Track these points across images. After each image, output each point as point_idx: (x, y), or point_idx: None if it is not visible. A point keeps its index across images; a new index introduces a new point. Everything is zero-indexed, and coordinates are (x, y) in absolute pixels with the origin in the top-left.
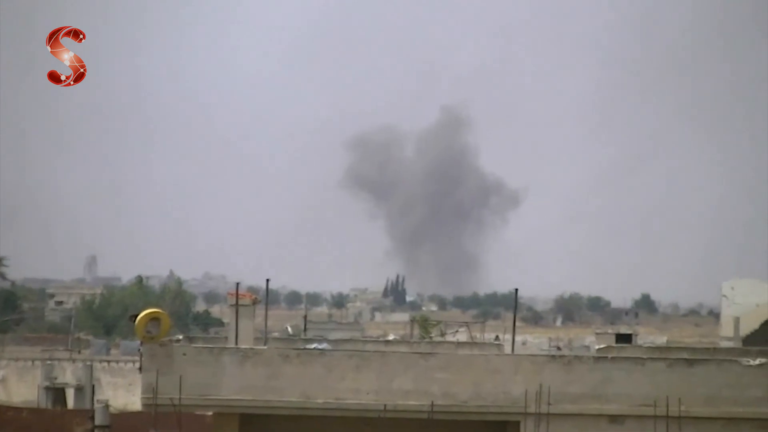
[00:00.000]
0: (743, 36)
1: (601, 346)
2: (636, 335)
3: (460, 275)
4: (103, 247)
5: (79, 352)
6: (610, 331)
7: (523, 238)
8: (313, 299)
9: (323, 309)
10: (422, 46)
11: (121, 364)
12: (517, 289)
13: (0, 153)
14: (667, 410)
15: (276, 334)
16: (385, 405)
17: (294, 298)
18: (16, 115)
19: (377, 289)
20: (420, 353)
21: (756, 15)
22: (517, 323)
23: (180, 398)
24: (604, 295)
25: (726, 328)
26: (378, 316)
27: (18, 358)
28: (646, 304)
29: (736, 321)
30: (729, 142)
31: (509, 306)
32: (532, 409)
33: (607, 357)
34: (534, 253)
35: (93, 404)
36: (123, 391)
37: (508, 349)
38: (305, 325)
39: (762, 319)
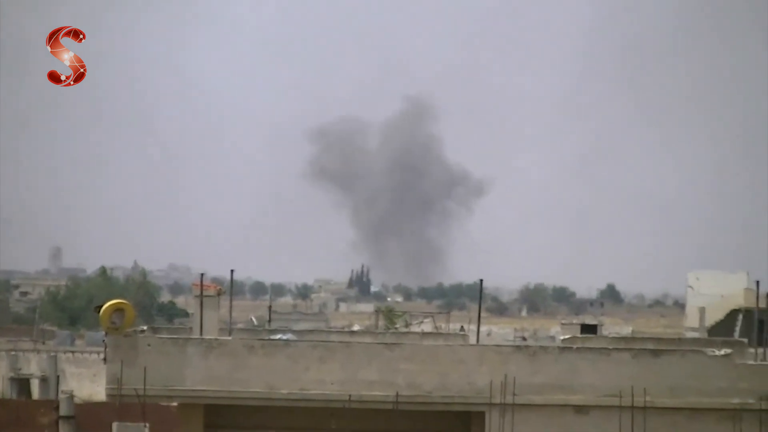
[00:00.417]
0: (712, 31)
1: (567, 336)
2: (601, 326)
3: (425, 266)
4: (68, 238)
5: (44, 343)
6: (575, 321)
7: (488, 228)
8: (278, 290)
9: (288, 300)
10: (385, 35)
11: (86, 355)
12: (482, 280)
13: None
14: (633, 401)
15: (241, 325)
16: (350, 396)
17: (259, 289)
18: None
19: (342, 279)
20: (385, 344)
21: (725, 11)
22: (482, 314)
23: (145, 389)
24: (570, 285)
25: (691, 319)
26: (343, 306)
27: None
28: (611, 295)
29: (702, 312)
30: (694, 135)
31: (474, 297)
32: (497, 400)
33: (572, 348)
34: (499, 244)
35: (58, 395)
36: (88, 381)
37: (473, 340)
38: (270, 316)
39: (727, 310)
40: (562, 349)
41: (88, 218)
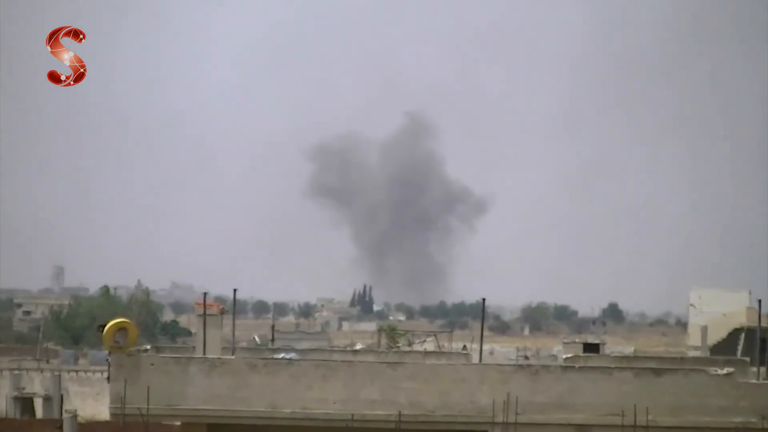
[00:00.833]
0: (708, 45)
1: (569, 355)
2: (603, 345)
3: (427, 284)
4: (71, 257)
5: (48, 362)
6: (577, 340)
7: (489, 246)
8: (281, 309)
9: (290, 319)
10: (384, 51)
11: (89, 374)
12: (484, 299)
13: None
14: (635, 420)
15: (243, 344)
16: (352, 415)
17: (261, 308)
18: None
19: (344, 298)
20: (387, 363)
21: (721, 25)
22: (484, 333)
23: (148, 408)
24: (572, 304)
25: (693, 338)
26: (345, 325)
27: None
28: (613, 314)
29: (704, 330)
30: (696, 151)
31: (476, 315)
32: (499, 419)
33: (574, 366)
34: (501, 262)
35: (61, 414)
36: (91, 400)
37: (475, 359)
38: (272, 335)
39: (729, 329)
40: (564, 368)
41: (91, 237)
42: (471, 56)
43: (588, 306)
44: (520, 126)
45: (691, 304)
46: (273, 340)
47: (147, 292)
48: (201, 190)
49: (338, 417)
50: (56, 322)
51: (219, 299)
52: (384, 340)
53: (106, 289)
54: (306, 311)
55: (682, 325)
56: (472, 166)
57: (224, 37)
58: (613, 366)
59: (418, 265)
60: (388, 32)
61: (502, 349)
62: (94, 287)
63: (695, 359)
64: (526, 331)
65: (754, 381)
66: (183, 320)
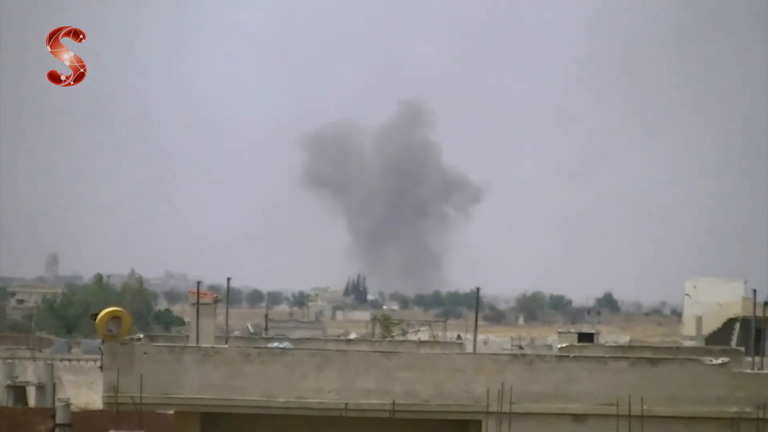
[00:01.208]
0: (709, 34)
1: (564, 345)
2: (598, 334)
3: (422, 273)
4: (65, 246)
5: (41, 350)
6: (572, 330)
7: (485, 236)
8: (275, 298)
9: (284, 308)
10: (380, 39)
11: (83, 363)
12: (479, 288)
13: None
14: (630, 409)
15: (237, 333)
16: (346, 404)
17: (255, 297)
18: None
19: (338, 287)
20: (382, 352)
21: (723, 14)
22: (479, 322)
23: (141, 397)
24: (567, 293)
25: (688, 327)
26: (339, 314)
27: None
28: (608, 303)
29: (699, 320)
30: (691, 142)
31: (471, 305)
32: (494, 409)
33: (569, 356)
34: (496, 252)
35: (54, 403)
36: (84, 389)
37: (470, 348)
38: (266, 324)
39: (724, 319)
40: (559, 357)
41: (85, 226)
42: (468, 45)
43: (583, 295)
44: (517, 115)
45: (687, 294)
46: (267, 329)
47: (141, 281)
48: (196, 178)
49: (333, 406)
50: (50, 310)
51: (213, 288)
52: (378, 330)
53: (99, 278)
54: (300, 300)
55: (678, 314)
56: (468, 154)
57: (218, 25)
58: (608, 356)
59: (413, 254)
60: (385, 20)
61: (496, 339)
62: (87, 276)
63: (690, 349)
64: (521, 321)
65: (749, 371)
66: (177, 309)
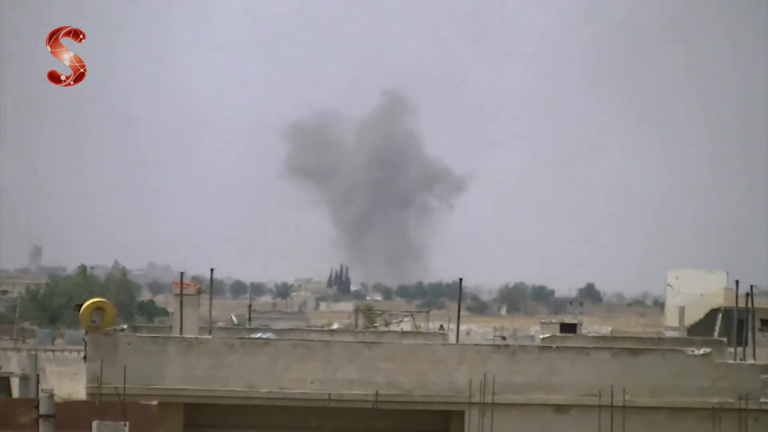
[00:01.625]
0: (698, 24)
1: (546, 335)
2: (580, 325)
3: (405, 264)
4: (48, 237)
5: (24, 341)
6: (554, 320)
7: (467, 226)
8: (258, 289)
9: (267, 299)
10: (361, 29)
11: (66, 354)
12: (461, 279)
13: None
14: (612, 400)
15: (221, 324)
16: (329, 395)
17: (239, 288)
18: None
19: (322, 278)
20: (364, 343)
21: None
22: (461, 313)
23: (125, 387)
24: (549, 284)
25: (671, 318)
26: (322, 305)
27: None
28: (590, 294)
29: (681, 311)
30: (674, 134)
31: (454, 296)
32: (476, 399)
33: (551, 347)
34: (479, 242)
35: (38, 393)
36: (68, 380)
37: (452, 339)
38: (250, 315)
39: (707, 309)
40: (542, 348)
41: (68, 217)
42: (450, 34)
43: (565, 286)
44: (499, 106)
45: (669, 285)
46: (250, 319)
47: (124, 272)
48: (179, 170)
49: (315, 397)
50: (33, 301)
51: (196, 279)
52: (361, 320)
53: (83, 269)
54: (283, 291)
55: (660, 305)
56: (451, 145)
57: (201, 18)
58: (590, 346)
59: (395, 244)
60: (367, 10)
61: (479, 330)
62: (71, 267)
63: (673, 339)
64: (504, 312)
65: (731, 361)
66: (160, 300)
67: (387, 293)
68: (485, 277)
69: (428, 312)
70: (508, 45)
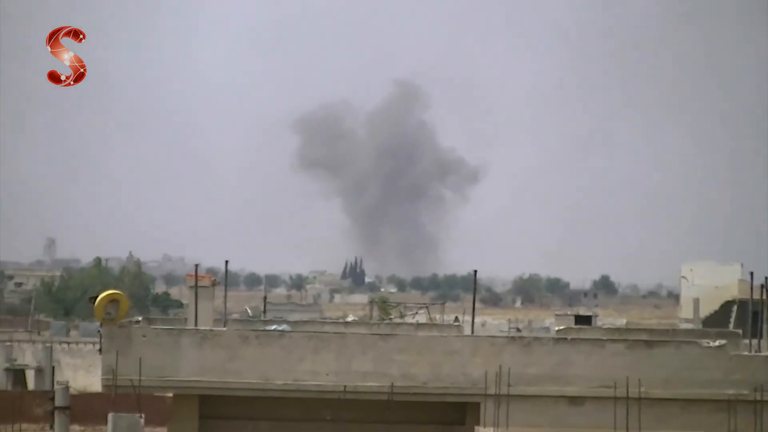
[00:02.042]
0: (704, 20)
1: (561, 327)
2: (595, 317)
3: (419, 256)
4: (62, 229)
5: (39, 333)
6: (569, 312)
7: (482, 218)
8: (272, 281)
9: (282, 291)
10: (374, 19)
11: (81, 346)
12: (476, 271)
13: None
14: (627, 392)
15: (235, 316)
16: (344, 387)
17: (253, 280)
18: None
19: (336, 270)
20: (379, 335)
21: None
22: (476, 305)
23: (139, 380)
24: (564, 276)
25: (686, 310)
26: (337, 297)
27: None
28: (605, 286)
29: (696, 303)
30: (689, 126)
31: (468, 287)
32: (491, 391)
33: (566, 339)
34: (493, 234)
35: (53, 386)
36: (83, 372)
37: (467, 331)
38: (264, 307)
39: (721, 301)
40: (557, 340)
41: (83, 209)
42: (463, 25)
43: (580, 278)
44: (513, 96)
45: (683, 277)
46: (265, 311)
47: (138, 264)
48: (193, 162)
49: (330, 389)
50: (48, 294)
51: (211, 271)
52: (376, 312)
53: (97, 261)
54: (298, 283)
55: (675, 297)
56: (464, 135)
57: (212, 11)
58: (605, 338)
59: (409, 236)
60: (380, 2)
61: (493, 322)
62: (85, 259)
63: (687, 331)
64: (518, 304)
65: (746, 353)
66: (174, 292)
67: (401, 285)
68: (499, 269)
69: (443, 304)
70: (521, 35)
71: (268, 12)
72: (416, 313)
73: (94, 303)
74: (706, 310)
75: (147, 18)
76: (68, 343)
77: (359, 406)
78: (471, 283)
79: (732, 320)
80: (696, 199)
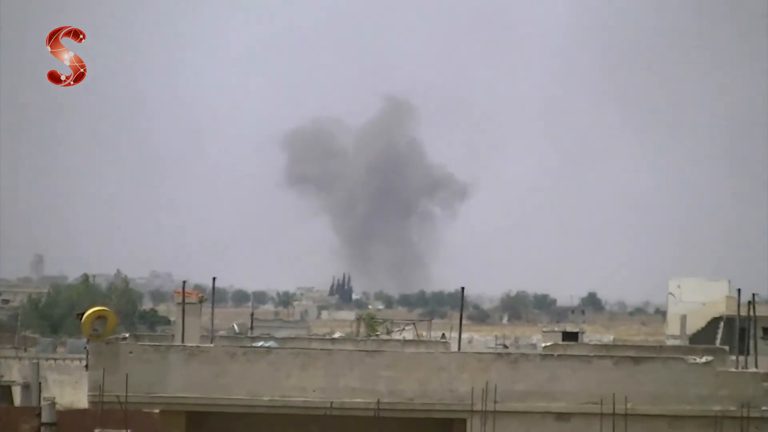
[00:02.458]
0: (697, 34)
1: (548, 344)
2: (582, 333)
3: (407, 273)
4: (50, 246)
5: (26, 350)
6: (556, 329)
7: (469, 235)
8: (260, 297)
9: (269, 307)
10: (365, 35)
11: (68, 362)
12: (463, 288)
13: None
14: (614, 408)
15: (222, 333)
16: (331, 403)
17: (240, 297)
18: None
19: (323, 287)
20: (366, 351)
21: (710, 14)
22: (463, 321)
23: (126, 396)
24: (551, 293)
25: (672, 327)
26: (324, 314)
27: None
28: (592, 302)
29: (683, 319)
30: (677, 142)
31: (456, 304)
32: (478, 407)
33: (553, 355)
34: (480, 250)
35: (40, 402)
36: (70, 388)
37: (454, 347)
38: (252, 324)
39: (708, 318)
40: (544, 356)
41: (70, 226)
42: (454, 40)
43: (567, 295)
44: (502, 113)
45: (671, 293)
46: (252, 328)
47: (126, 281)
48: (180, 178)
49: (317, 405)
50: (35, 310)
51: (198, 288)
52: (363, 329)
53: (85, 278)
54: (285, 300)
55: (662, 314)
56: (453, 152)
57: (203, 26)
58: (592, 354)
59: (397, 253)
60: (369, 16)
61: (481, 338)
62: (73, 276)
63: (674, 348)
64: (505, 320)
65: (733, 369)
66: (162, 309)
67: (389, 302)
68: (487, 285)
69: (430, 320)
70: (511, 50)
71: (258, 28)
72: (403, 329)
73: (81, 319)
74: (693, 327)
75: (135, 34)
76: (55, 359)
77: (346, 423)
78: (458, 299)
79: (719, 337)
80: (683, 215)
